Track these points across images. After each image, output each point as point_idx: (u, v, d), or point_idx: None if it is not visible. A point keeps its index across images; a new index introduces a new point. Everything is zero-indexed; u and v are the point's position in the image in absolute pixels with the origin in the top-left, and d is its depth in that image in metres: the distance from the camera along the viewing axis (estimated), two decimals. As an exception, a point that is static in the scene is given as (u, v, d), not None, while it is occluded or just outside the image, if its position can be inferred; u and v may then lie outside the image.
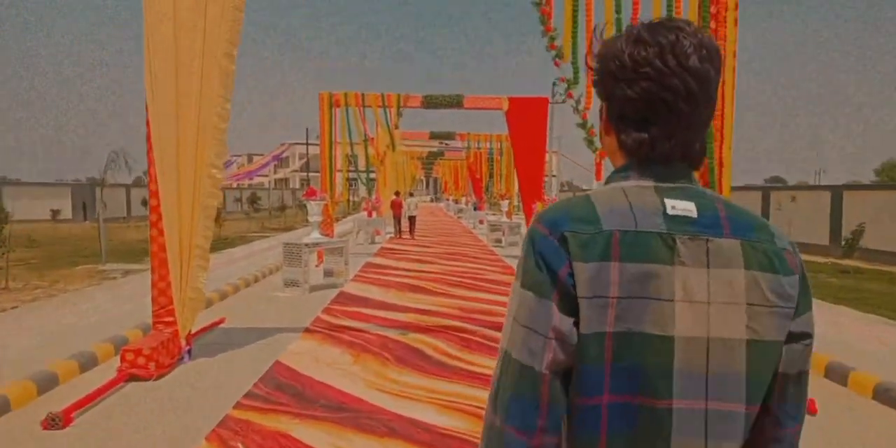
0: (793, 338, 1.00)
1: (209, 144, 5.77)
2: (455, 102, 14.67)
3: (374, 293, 9.70)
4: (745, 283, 0.95)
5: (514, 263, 13.19)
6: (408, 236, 20.66)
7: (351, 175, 16.13)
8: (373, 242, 19.08)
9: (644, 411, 0.94)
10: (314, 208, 9.90)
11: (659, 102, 0.97)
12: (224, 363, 5.86)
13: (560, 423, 0.96)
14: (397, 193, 22.76)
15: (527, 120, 14.62)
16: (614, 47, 1.01)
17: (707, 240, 0.95)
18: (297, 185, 77.83)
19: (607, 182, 1.06)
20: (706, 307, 0.94)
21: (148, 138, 5.74)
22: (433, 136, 23.33)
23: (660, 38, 0.97)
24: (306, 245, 9.59)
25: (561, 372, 0.94)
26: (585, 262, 0.93)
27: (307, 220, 10.38)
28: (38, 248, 16.59)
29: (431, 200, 76.26)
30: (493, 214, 23.24)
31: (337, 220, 15.07)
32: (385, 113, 14.83)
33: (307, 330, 7.19)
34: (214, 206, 5.93)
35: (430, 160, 43.20)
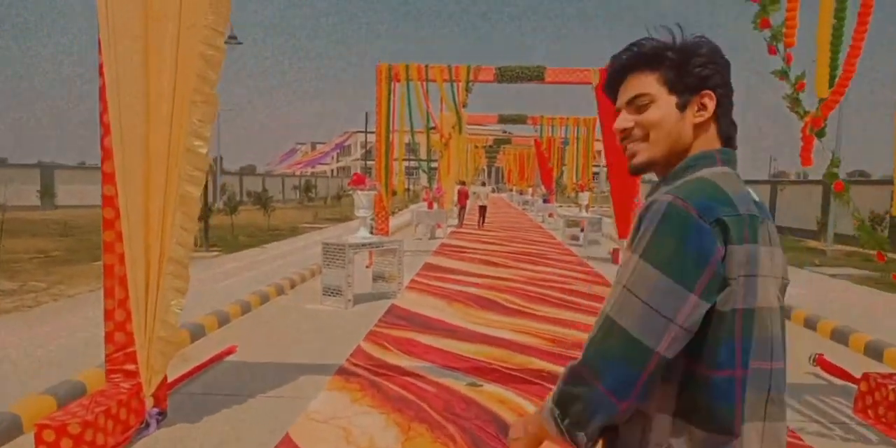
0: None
1: (189, 101, 3.75)
2: (535, 75, 12.37)
3: (434, 309, 7.61)
4: (782, 260, 1.14)
5: (602, 269, 10.90)
6: (474, 226, 18.73)
7: (410, 164, 14.10)
8: (433, 237, 17.05)
9: (765, 375, 1.10)
10: (362, 200, 7.88)
11: (729, 96, 1.23)
12: (207, 435, 3.88)
13: (650, 392, 1.07)
14: (463, 183, 20.95)
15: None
16: (711, 45, 1.21)
17: (768, 222, 1.12)
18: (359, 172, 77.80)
19: (693, 167, 1.16)
20: (772, 280, 1.11)
21: (101, 94, 3.78)
22: (502, 119, 21.06)
23: (709, 42, 1.22)
24: (350, 246, 7.59)
25: (673, 351, 1.05)
26: (739, 244, 1.05)
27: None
28: (73, 236, 15.30)
29: (493, 190, 73.86)
30: (565, 207, 20.89)
31: (394, 212, 13.04)
32: (452, 88, 12.68)
33: (340, 371, 5.16)
34: (196, 198, 3.89)
35: (494, 148, 40.85)
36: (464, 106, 12.68)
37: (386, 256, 8.47)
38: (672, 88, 1.19)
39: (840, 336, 6.48)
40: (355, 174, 8.00)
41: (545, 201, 26.71)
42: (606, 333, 1.06)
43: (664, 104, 1.19)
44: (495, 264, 11.85)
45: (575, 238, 16.57)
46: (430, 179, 12.93)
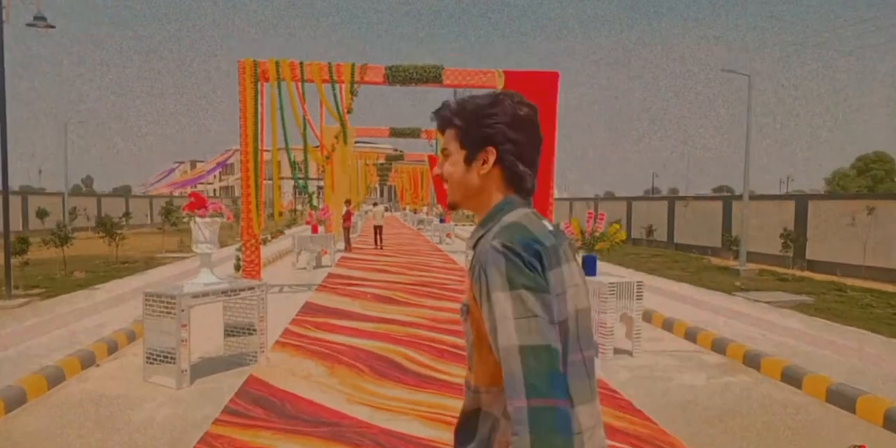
0: None
1: None
2: (431, 77, 10.58)
3: (308, 380, 5.48)
4: (579, 270, 1.42)
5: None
6: (365, 250, 16.65)
7: (285, 180, 11.84)
8: (319, 266, 14.78)
9: (591, 363, 1.39)
10: (203, 231, 5.65)
11: (537, 146, 1.42)
12: None
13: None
14: (348, 202, 18.96)
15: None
16: (503, 104, 1.39)
17: (564, 244, 1.40)
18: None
19: (502, 211, 1.40)
20: (582, 288, 1.40)
21: None
22: (394, 132, 19.17)
23: (528, 102, 1.42)
24: (184, 297, 5.32)
25: None
26: (550, 269, 1.30)
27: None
28: None
29: (386, 209, 71.94)
30: (463, 226, 19.26)
31: (271, 238, 10.71)
32: (333, 90, 10.63)
33: None
34: None
35: (386, 165, 38.97)
36: (348, 112, 10.65)
37: (242, 307, 6.23)
38: (462, 144, 1.43)
39: (839, 399, 5.02)
40: (192, 194, 5.76)
41: (442, 221, 25.05)
42: (532, 358, 1.20)
43: (457, 158, 1.44)
44: (393, 301, 9.82)
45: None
46: (311, 199, 10.71)
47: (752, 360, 6.28)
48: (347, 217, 18.85)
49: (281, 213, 32.87)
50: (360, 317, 8.52)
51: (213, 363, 6.08)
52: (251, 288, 5.96)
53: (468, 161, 1.40)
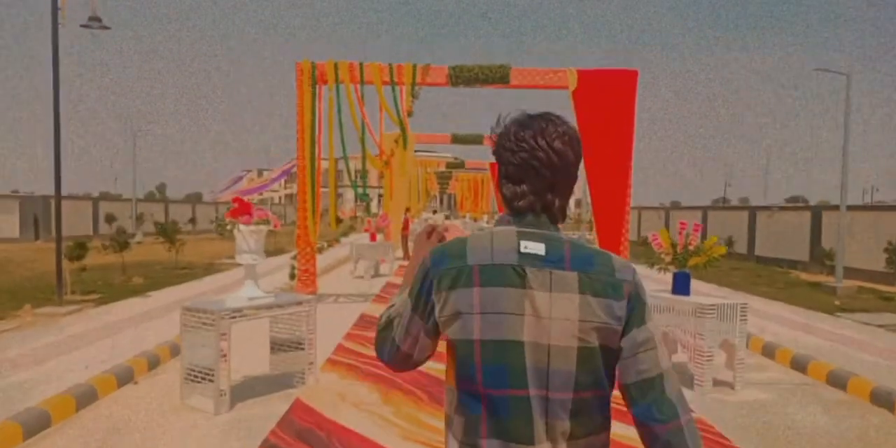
0: (625, 351, 1.31)
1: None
2: (498, 77, 9.88)
3: (359, 411, 4.83)
4: (579, 304, 1.27)
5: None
6: None
7: (342, 188, 11.36)
8: (377, 274, 14.25)
9: (512, 399, 1.28)
10: (247, 240, 5.09)
11: (529, 168, 1.35)
12: None
13: None
14: (407, 210, 18.53)
15: (605, 103, 9.78)
16: (507, 129, 1.40)
17: (551, 272, 1.29)
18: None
19: (496, 225, 1.42)
20: (549, 321, 1.27)
21: None
22: (456, 139, 18.55)
23: (535, 124, 1.37)
24: (225, 313, 4.75)
25: None
26: (452, 290, 1.31)
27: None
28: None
29: (446, 217, 71.77)
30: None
31: (328, 246, 10.20)
32: (394, 93, 10.06)
33: None
34: None
35: (446, 173, 38.46)
36: (409, 115, 10.06)
37: (289, 323, 5.63)
38: None
39: None
40: (235, 199, 5.22)
41: (504, 230, 24.23)
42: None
43: None
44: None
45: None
46: (367, 206, 10.15)
47: (882, 399, 5.26)
48: (406, 225, 18.39)
49: (340, 221, 32.97)
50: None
51: (257, 383, 5.51)
52: (299, 303, 5.36)
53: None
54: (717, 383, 5.66)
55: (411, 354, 1.44)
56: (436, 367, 7.07)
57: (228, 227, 5.10)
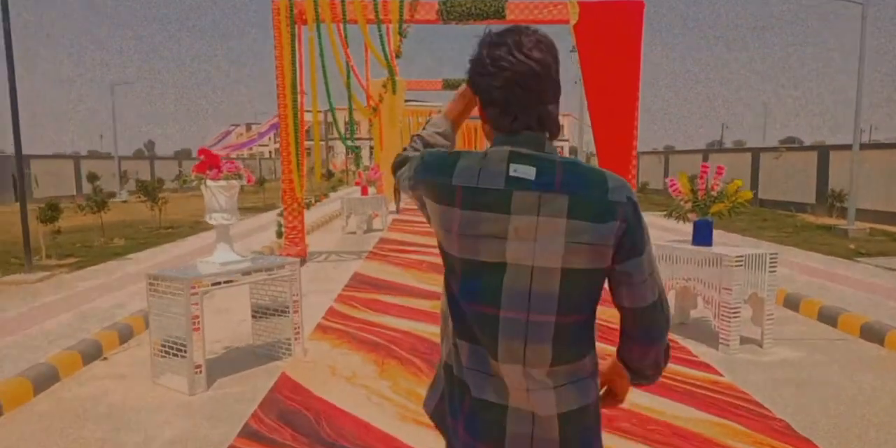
0: (618, 276, 1.33)
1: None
2: (492, 12, 9.02)
3: (353, 385, 4.33)
4: (566, 227, 1.25)
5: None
6: (417, 210, 15.52)
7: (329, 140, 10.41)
8: (370, 230, 13.68)
9: (483, 316, 1.30)
10: (217, 198, 4.45)
11: (514, 86, 1.30)
12: None
13: None
14: None
15: (610, 38, 8.98)
16: (479, 54, 1.34)
17: (539, 195, 1.26)
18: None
19: (494, 142, 1.37)
20: (533, 244, 1.26)
21: None
22: (448, 84, 17.65)
23: (506, 39, 1.31)
24: (194, 280, 4.17)
25: None
26: (438, 204, 1.34)
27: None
28: None
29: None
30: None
31: (315, 201, 9.58)
32: (380, 32, 9.21)
33: None
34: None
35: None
36: (397, 56, 9.25)
37: (272, 287, 5.06)
38: None
39: None
40: (202, 150, 4.55)
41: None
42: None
43: None
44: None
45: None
46: (357, 158, 9.42)
47: (926, 355, 4.79)
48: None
49: (331, 175, 31.91)
50: (414, 291, 7.32)
51: (238, 357, 5.00)
52: (280, 267, 4.77)
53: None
54: (743, 341, 5.18)
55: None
56: (435, 332, 6.63)
57: (194, 183, 4.46)
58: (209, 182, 4.42)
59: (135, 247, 11.38)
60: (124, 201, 23.04)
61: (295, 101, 9.03)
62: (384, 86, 10.02)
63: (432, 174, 1.34)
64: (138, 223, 15.12)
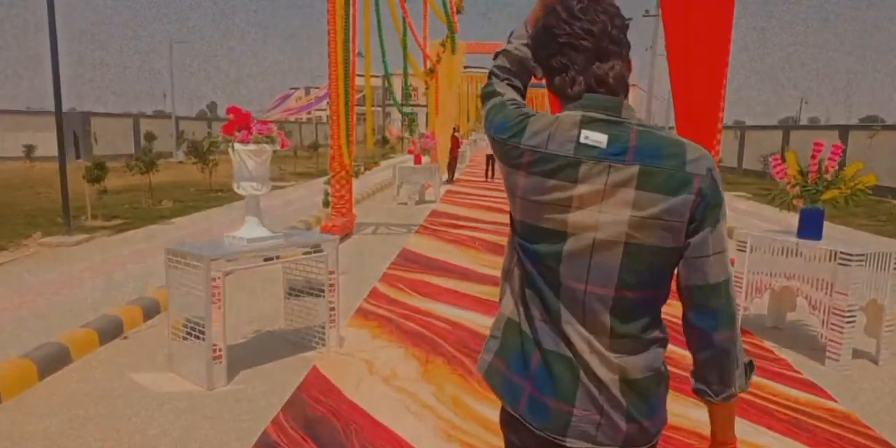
0: (689, 251, 1.23)
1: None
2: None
3: (392, 407, 3.76)
4: (634, 199, 1.18)
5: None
6: (472, 182, 15.03)
7: (377, 108, 9.69)
8: (422, 201, 13.08)
9: (546, 278, 1.27)
10: (246, 163, 3.87)
11: (567, 47, 1.25)
12: None
13: None
14: (456, 129, 17.44)
15: (698, 8, 7.92)
16: (537, 25, 1.33)
17: (609, 165, 1.20)
18: (356, 121, 75.45)
19: (567, 103, 1.30)
20: (598, 214, 1.20)
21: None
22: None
23: (556, 5, 1.28)
24: (216, 260, 3.62)
25: None
26: (503, 164, 1.30)
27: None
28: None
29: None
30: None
31: (364, 170, 9.01)
32: (440, -14, 8.40)
33: None
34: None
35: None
36: (458, 11, 8.44)
37: (313, 260, 4.48)
38: None
39: None
40: (230, 109, 3.95)
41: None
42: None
43: None
44: (506, 251, 7.93)
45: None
46: (411, 124, 8.70)
47: None
48: (455, 145, 17.15)
49: (381, 142, 31.20)
50: (466, 273, 6.68)
51: (267, 342, 4.49)
52: (315, 246, 4.18)
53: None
54: (854, 355, 4.35)
55: None
56: (486, 324, 6.51)
57: (221, 147, 3.88)
58: (237, 145, 3.83)
59: (181, 210, 11.12)
60: (180, 162, 23.11)
61: (347, 61, 8.37)
62: (442, 44, 9.25)
63: (501, 134, 1.30)
64: (189, 185, 14.95)
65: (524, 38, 1.45)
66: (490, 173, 18.67)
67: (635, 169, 1.19)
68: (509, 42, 1.49)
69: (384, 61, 8.31)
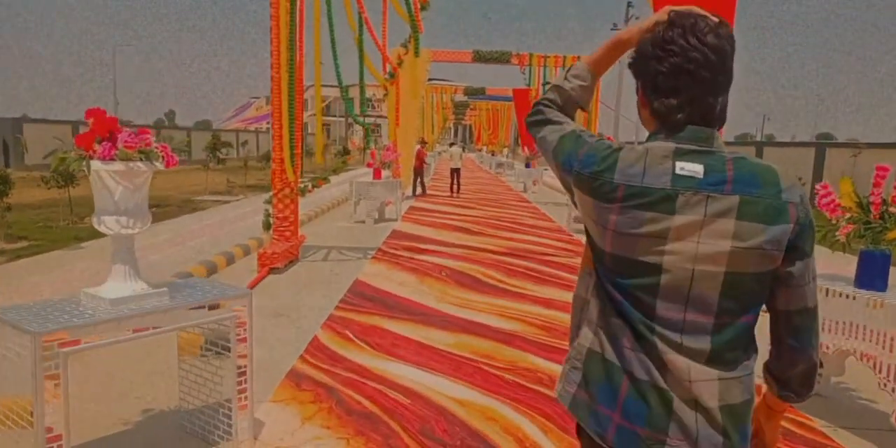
0: (781, 276, 1.24)
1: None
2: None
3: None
4: (735, 230, 1.18)
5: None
6: (436, 197, 14.06)
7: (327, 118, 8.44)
8: (382, 219, 11.89)
9: (638, 307, 1.24)
10: (113, 189, 2.65)
11: (684, 72, 1.21)
12: None
13: None
14: (423, 141, 16.58)
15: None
16: (651, 35, 1.26)
17: (707, 195, 1.19)
18: (314, 130, 74.67)
19: (652, 135, 1.29)
20: (696, 245, 1.18)
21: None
22: (479, 56, 15.64)
23: (683, 21, 1.22)
24: (47, 338, 2.37)
25: None
26: (592, 198, 1.26)
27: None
28: None
29: (462, 150, 68.79)
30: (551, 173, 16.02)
31: (313, 187, 7.75)
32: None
33: None
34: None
35: (464, 102, 35.44)
36: (422, 8, 7.34)
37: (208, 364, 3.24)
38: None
39: None
40: (90, 112, 2.75)
41: (528, 166, 21.65)
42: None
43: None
44: (480, 283, 6.77)
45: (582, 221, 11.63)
46: (367, 133, 7.44)
47: None
48: (420, 158, 16.22)
49: (347, 152, 30.08)
50: (432, 317, 5.52)
51: (145, 435, 3.23)
52: (214, 307, 2.96)
53: (638, 106, 1.36)
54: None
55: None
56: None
57: (71, 168, 2.64)
58: (96, 164, 2.61)
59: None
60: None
61: (292, 61, 7.19)
62: (404, 45, 8.11)
63: (590, 169, 1.25)
64: (123, 199, 13.45)
65: (582, 80, 1.41)
66: (455, 188, 17.65)
67: (735, 199, 1.19)
68: (566, 79, 1.43)
69: (336, 63, 7.15)
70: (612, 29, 31.46)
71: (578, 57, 16.32)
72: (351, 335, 4.93)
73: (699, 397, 1.21)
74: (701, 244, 1.18)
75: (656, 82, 1.24)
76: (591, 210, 1.25)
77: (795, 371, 1.31)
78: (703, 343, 1.21)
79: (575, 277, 1.37)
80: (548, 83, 1.50)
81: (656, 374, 1.22)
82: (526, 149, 22.52)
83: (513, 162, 30.18)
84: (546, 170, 22.27)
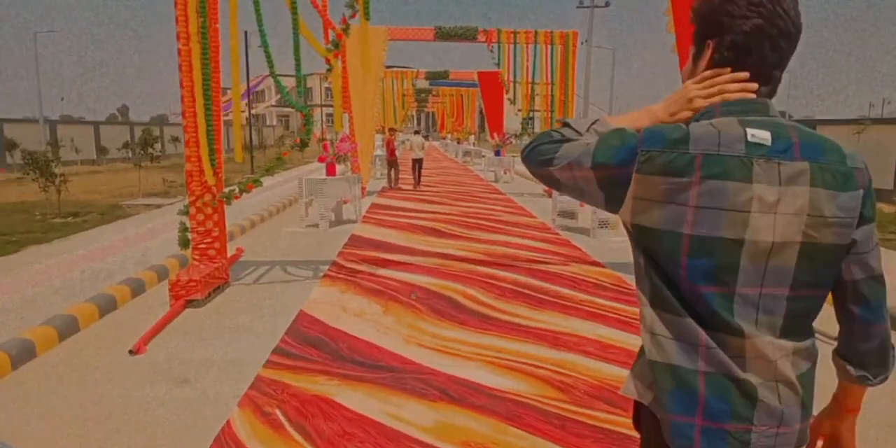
0: (858, 247, 1.19)
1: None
2: None
3: None
4: (810, 198, 1.12)
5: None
6: (403, 191, 12.84)
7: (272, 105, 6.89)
8: (339, 221, 10.25)
9: (712, 295, 1.14)
10: None
11: (764, 38, 1.16)
12: None
13: None
14: (393, 131, 16.03)
15: None
16: None
17: (779, 162, 1.12)
18: (274, 122, 72.57)
19: (703, 115, 1.21)
20: (774, 217, 1.12)
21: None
22: (441, 33, 13.96)
23: None
24: None
25: None
26: (664, 176, 1.14)
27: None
28: None
29: (425, 138, 67.14)
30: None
31: (241, 192, 6.05)
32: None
33: None
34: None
35: (426, 88, 33.72)
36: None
37: None
38: (693, 38, 1.26)
39: None
40: None
41: (498, 154, 20.16)
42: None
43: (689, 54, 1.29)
44: (460, 307, 5.24)
45: (569, 216, 10.25)
46: (308, 121, 5.85)
47: None
48: (391, 148, 15.72)
49: (305, 145, 28.58)
50: (404, 373, 3.94)
51: None
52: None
53: (694, 57, 1.28)
54: None
55: (556, 177, 1.26)
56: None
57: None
58: None
59: (8, 245, 7.97)
60: (19, 178, 19.24)
61: (204, 36, 5.51)
62: (350, 5, 6.43)
63: (661, 144, 1.14)
64: (35, 207, 11.53)
65: (599, 136, 1.27)
66: (417, 179, 16.12)
67: (805, 165, 1.14)
68: (587, 130, 1.29)
69: (261, 30, 5.47)
70: (577, 7, 30.10)
71: (551, 32, 14.85)
72: (280, 417, 3.35)
73: (780, 374, 1.17)
74: (779, 214, 1.13)
75: (736, 41, 1.18)
76: (662, 192, 1.14)
77: (871, 345, 1.25)
78: (777, 316, 1.17)
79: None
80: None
81: (733, 365, 1.15)
82: (495, 135, 21.00)
83: (480, 149, 28.61)
84: (515, 156, 20.89)
